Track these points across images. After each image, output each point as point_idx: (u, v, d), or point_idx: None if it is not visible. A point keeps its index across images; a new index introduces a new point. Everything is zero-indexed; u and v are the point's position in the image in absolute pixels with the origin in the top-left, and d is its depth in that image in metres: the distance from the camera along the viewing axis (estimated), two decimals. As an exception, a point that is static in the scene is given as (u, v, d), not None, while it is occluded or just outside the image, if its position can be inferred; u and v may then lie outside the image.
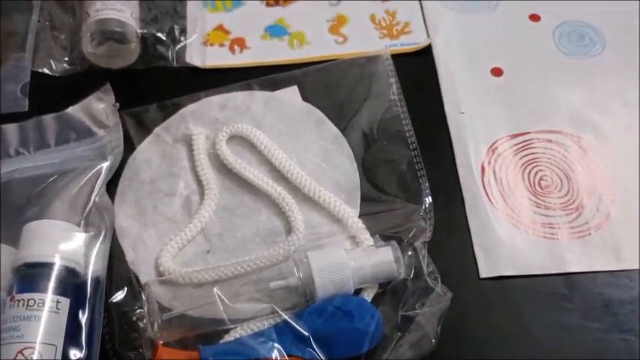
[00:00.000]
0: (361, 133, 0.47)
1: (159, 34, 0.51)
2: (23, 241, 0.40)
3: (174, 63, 0.51)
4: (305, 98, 0.49)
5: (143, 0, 0.53)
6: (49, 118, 0.48)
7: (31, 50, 0.52)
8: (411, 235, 0.41)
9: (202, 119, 0.48)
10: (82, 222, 0.43)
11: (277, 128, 0.47)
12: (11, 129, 0.48)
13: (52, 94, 0.51)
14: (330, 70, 0.50)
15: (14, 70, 0.52)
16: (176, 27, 0.53)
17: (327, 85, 0.49)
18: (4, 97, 0.50)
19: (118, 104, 0.47)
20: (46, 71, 0.50)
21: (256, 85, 0.49)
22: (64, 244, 0.40)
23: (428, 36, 0.54)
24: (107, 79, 0.50)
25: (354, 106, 0.48)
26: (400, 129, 0.46)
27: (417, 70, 0.52)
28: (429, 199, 0.43)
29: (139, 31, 0.51)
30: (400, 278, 0.39)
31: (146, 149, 0.47)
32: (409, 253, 0.40)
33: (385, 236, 0.41)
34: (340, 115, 0.47)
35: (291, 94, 0.49)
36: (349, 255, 0.40)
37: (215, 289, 0.38)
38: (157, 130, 0.48)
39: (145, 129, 0.48)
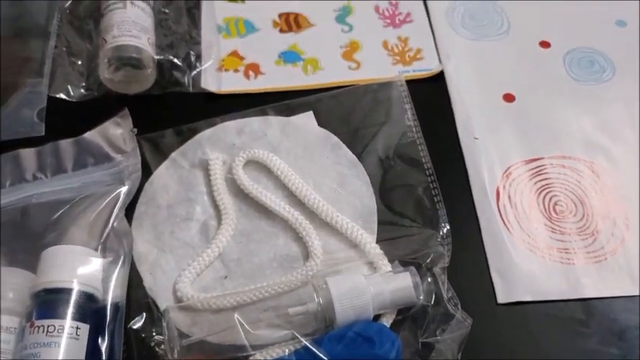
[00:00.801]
0: (377, 159, 0.47)
1: (175, 60, 0.52)
2: (42, 266, 0.40)
3: (190, 89, 0.51)
4: (320, 124, 0.49)
5: (159, 26, 0.55)
6: (66, 143, 0.48)
7: (47, 75, 0.53)
8: (428, 261, 0.42)
9: (219, 144, 0.48)
10: (100, 247, 0.43)
11: (294, 153, 0.48)
12: (28, 154, 0.48)
13: (68, 119, 0.51)
14: (345, 95, 0.50)
15: (30, 96, 0.52)
16: (192, 53, 0.53)
17: (342, 110, 0.50)
18: (20, 122, 0.51)
19: (135, 129, 0.47)
20: (63, 97, 0.51)
21: (272, 110, 0.50)
22: (83, 269, 0.40)
23: (440, 62, 0.54)
24: (123, 104, 0.51)
25: (370, 132, 0.48)
26: (416, 155, 0.47)
27: (430, 95, 0.52)
28: (446, 226, 0.43)
29: (155, 57, 0.51)
30: (419, 304, 0.39)
31: (163, 174, 0.47)
32: (428, 279, 0.40)
33: (403, 262, 0.41)
34: (356, 141, 0.48)
35: (306, 119, 0.49)
36: (368, 281, 0.40)
37: (236, 315, 0.38)
38: (173, 155, 0.48)
39: (162, 154, 0.48)
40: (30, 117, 0.51)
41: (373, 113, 0.49)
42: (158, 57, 0.52)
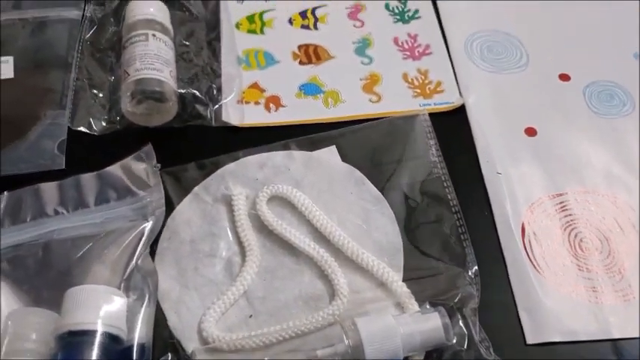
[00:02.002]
0: (402, 195, 0.47)
1: (197, 93, 0.52)
2: (65, 307, 0.39)
3: (213, 122, 0.51)
4: (343, 158, 0.49)
5: (180, 59, 0.55)
6: (88, 177, 0.47)
7: (69, 107, 0.53)
8: (457, 300, 0.41)
9: (241, 179, 0.48)
10: (124, 285, 0.42)
11: (317, 188, 0.47)
12: (49, 188, 0.47)
13: (89, 152, 0.51)
14: (369, 130, 0.50)
15: (51, 127, 0.52)
16: (213, 86, 0.53)
17: (365, 145, 0.50)
18: (41, 155, 0.50)
19: (159, 165, 0.47)
20: (85, 130, 0.51)
21: (294, 144, 0.50)
22: (108, 309, 0.39)
23: (460, 95, 0.55)
24: (145, 136, 0.51)
25: (394, 167, 0.48)
26: (441, 191, 0.46)
27: (451, 129, 0.52)
28: (475, 265, 0.43)
29: (177, 90, 0.51)
30: (450, 346, 0.39)
31: (185, 209, 0.47)
32: (459, 320, 0.40)
33: (431, 302, 0.41)
34: (379, 176, 0.48)
35: (329, 154, 0.49)
36: (397, 321, 0.39)
37: (266, 358, 0.37)
38: (196, 189, 0.48)
39: (184, 188, 0.48)
40: (50, 149, 0.51)
41: (397, 148, 0.49)
42: (180, 90, 0.51)
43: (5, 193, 0.47)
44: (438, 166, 0.47)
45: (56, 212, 0.46)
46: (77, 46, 0.56)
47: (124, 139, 0.51)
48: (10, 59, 0.56)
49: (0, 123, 0.51)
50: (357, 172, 0.48)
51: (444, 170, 0.47)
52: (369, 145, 0.50)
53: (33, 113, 0.52)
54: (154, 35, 0.53)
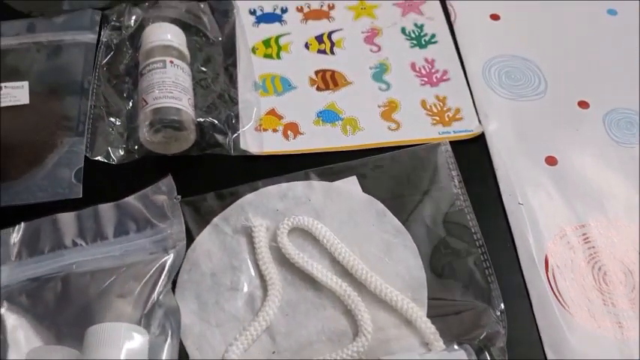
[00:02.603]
0: (424, 227, 0.46)
1: (215, 122, 0.51)
2: (87, 345, 0.38)
3: (231, 151, 0.51)
4: (364, 189, 0.48)
5: (198, 86, 0.54)
6: (106, 208, 0.47)
7: (85, 135, 0.52)
8: (482, 338, 0.41)
9: (262, 209, 0.48)
10: (144, 320, 0.42)
11: (338, 220, 0.47)
12: (67, 218, 0.47)
13: (106, 181, 0.50)
14: (389, 160, 0.50)
15: (68, 155, 0.52)
16: (232, 114, 0.53)
17: (386, 175, 0.49)
18: (58, 183, 0.50)
19: (179, 197, 0.46)
20: (103, 159, 0.50)
21: (314, 174, 0.49)
22: (130, 348, 0.38)
23: (479, 122, 0.54)
24: (163, 165, 0.50)
25: (415, 199, 0.47)
26: (465, 224, 0.46)
27: (471, 157, 0.52)
28: (501, 302, 0.42)
29: (195, 119, 0.51)
30: (477, 386, 0.38)
31: (205, 240, 0.47)
32: (486, 358, 0.39)
33: (457, 340, 0.40)
34: (401, 208, 0.47)
35: (350, 184, 0.49)
36: (423, 360, 0.39)
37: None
38: (215, 220, 0.47)
39: (203, 219, 0.47)
40: (67, 178, 0.51)
41: (418, 179, 0.49)
42: (199, 119, 0.51)
43: (22, 223, 0.47)
44: (460, 198, 0.47)
45: (75, 244, 0.46)
46: (93, 72, 0.55)
47: (141, 168, 0.51)
48: (25, 84, 0.55)
49: (16, 150, 0.51)
50: (379, 204, 0.47)
51: (467, 202, 0.47)
52: (389, 175, 0.49)
53: (49, 140, 0.52)
54: (171, 62, 0.52)
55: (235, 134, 0.52)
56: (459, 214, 0.46)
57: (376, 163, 0.50)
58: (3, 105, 0.53)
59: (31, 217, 0.47)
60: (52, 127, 0.53)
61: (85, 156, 0.51)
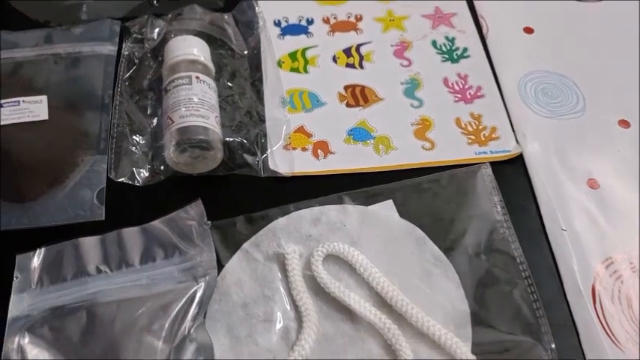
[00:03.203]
0: (466, 256, 0.44)
1: (244, 141, 0.49)
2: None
3: (261, 172, 0.48)
4: (401, 214, 0.46)
5: (225, 102, 0.52)
6: (131, 232, 0.45)
7: (107, 153, 0.50)
8: (531, 375, 0.39)
9: (294, 235, 0.45)
10: (173, 354, 0.39)
11: (375, 247, 0.45)
12: (90, 243, 0.45)
13: (129, 202, 0.48)
14: (427, 184, 0.48)
15: (89, 175, 0.49)
16: (260, 132, 0.51)
17: (424, 200, 0.47)
18: (79, 205, 0.48)
19: (209, 222, 0.44)
20: (128, 181, 0.48)
21: (348, 197, 0.47)
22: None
23: (517, 142, 0.52)
24: (188, 185, 0.48)
25: (456, 226, 0.45)
26: (509, 253, 0.44)
27: (509, 179, 0.49)
28: (552, 340, 0.40)
29: (222, 138, 0.48)
30: None
31: (235, 268, 0.44)
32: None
33: (506, 378, 0.39)
34: (440, 234, 0.45)
35: (386, 208, 0.46)
36: (472, 402, 0.37)
37: None
38: (245, 246, 0.45)
39: (232, 244, 0.45)
40: (89, 199, 0.48)
41: (458, 204, 0.46)
42: (227, 139, 0.49)
43: (42, 248, 0.45)
44: (504, 226, 0.45)
45: (99, 270, 0.44)
46: (115, 87, 0.53)
47: (167, 188, 0.48)
48: (44, 99, 0.53)
49: (35, 170, 0.49)
50: (418, 230, 0.45)
51: (511, 230, 0.44)
52: (427, 199, 0.47)
53: (70, 159, 0.50)
54: (197, 78, 0.50)
55: (264, 155, 0.49)
56: (503, 242, 0.44)
57: (413, 186, 0.48)
58: (21, 121, 0.51)
59: (52, 240, 0.46)
60: (72, 144, 0.51)
61: (107, 175, 0.49)
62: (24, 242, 0.46)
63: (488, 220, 0.45)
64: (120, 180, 0.48)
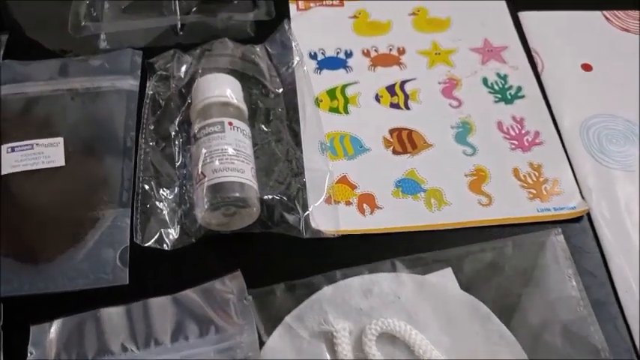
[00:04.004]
0: (536, 338, 0.39)
1: (283, 198, 0.44)
2: None
3: (303, 231, 0.43)
4: (461, 284, 0.41)
5: (261, 149, 0.47)
6: (161, 303, 0.40)
7: (129, 206, 0.45)
8: None
9: (342, 308, 0.40)
10: None
11: (434, 324, 0.40)
12: (114, 314, 0.40)
13: (157, 263, 0.43)
14: (490, 250, 0.43)
15: (111, 231, 0.44)
16: (299, 185, 0.46)
17: (486, 269, 0.42)
18: (101, 267, 0.43)
19: (250, 298, 0.39)
20: (156, 245, 0.43)
21: (402, 264, 0.42)
22: None
23: (582, 197, 0.47)
24: (221, 244, 0.44)
25: (524, 301, 0.40)
26: (587, 336, 0.39)
27: (576, 241, 0.44)
28: None
29: (259, 192, 0.44)
30: None
31: (277, 345, 0.39)
32: None
33: None
34: (506, 311, 0.40)
35: (445, 278, 0.42)
36: None
37: None
38: (288, 319, 0.40)
39: (273, 316, 0.40)
40: (111, 260, 0.43)
41: (527, 276, 0.41)
42: (266, 197, 0.44)
43: (60, 319, 0.40)
44: (580, 304, 0.40)
45: (124, 348, 0.39)
46: (139, 132, 0.48)
47: (197, 247, 0.44)
48: (60, 142, 0.48)
49: (51, 225, 0.44)
50: (483, 307, 0.40)
51: (589, 309, 0.39)
52: (490, 269, 0.42)
53: (89, 213, 0.45)
54: (230, 124, 0.45)
55: (306, 213, 0.44)
56: (580, 322, 0.39)
57: (474, 253, 0.43)
58: (35, 167, 0.46)
59: (70, 308, 0.41)
60: (92, 196, 0.46)
61: (133, 240, 0.44)
62: (38, 310, 0.41)
63: (561, 296, 0.40)
64: (147, 245, 0.43)
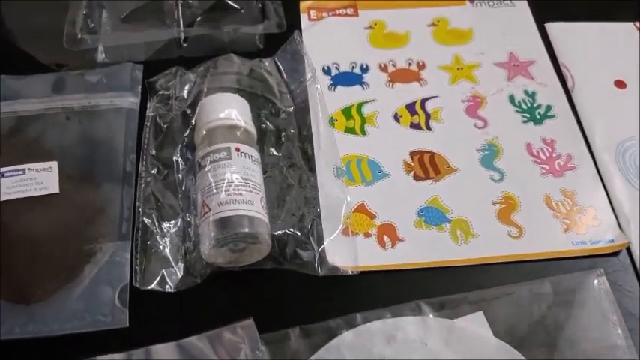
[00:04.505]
0: (579, 392, 0.36)
1: (297, 233, 0.41)
2: None
3: (318, 268, 0.40)
4: (494, 330, 0.37)
5: (270, 177, 0.43)
6: (165, 350, 0.36)
7: (129, 238, 0.42)
8: None
9: (363, 352, 0.37)
10: None
11: (465, 376, 0.37)
12: (113, 363, 0.37)
13: (159, 302, 0.39)
14: (526, 292, 0.39)
15: (109, 267, 0.40)
16: (313, 217, 0.42)
17: (522, 313, 0.38)
18: (98, 308, 0.39)
19: (264, 349, 0.35)
20: (157, 288, 0.39)
21: (427, 306, 0.38)
22: None
23: (620, 228, 0.44)
24: (229, 281, 0.40)
25: (563, 349, 0.36)
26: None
27: (615, 279, 0.41)
28: None
29: (270, 227, 0.40)
30: None
31: (293, 399, 0.36)
32: None
33: None
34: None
35: (476, 323, 0.38)
36: None
37: None
38: (304, 369, 0.37)
39: (287, 364, 0.37)
40: (109, 299, 0.40)
41: (566, 322, 0.37)
42: (277, 232, 0.40)
43: (54, 369, 0.37)
44: (626, 351, 0.36)
45: (125, 402, 0.36)
46: (139, 157, 0.44)
47: (204, 287, 0.40)
48: (54, 166, 0.44)
49: (43, 261, 0.40)
50: (518, 355, 0.36)
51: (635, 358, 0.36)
52: (526, 313, 0.38)
53: (85, 246, 0.41)
54: (237, 150, 0.41)
55: (321, 247, 0.41)
56: (628, 375, 0.36)
57: (507, 294, 0.39)
58: (27, 195, 0.42)
59: (64, 355, 0.37)
60: (89, 226, 0.42)
61: (132, 283, 0.40)
62: (30, 356, 0.38)
63: (605, 345, 0.37)
64: (148, 288, 0.39)
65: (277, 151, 0.45)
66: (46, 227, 0.41)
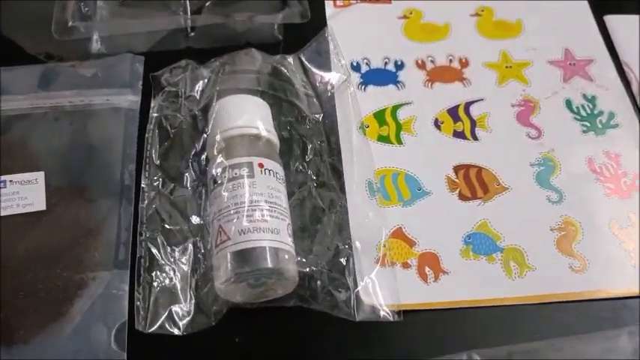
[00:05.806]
0: None
1: (328, 271, 0.34)
2: None
3: (354, 313, 0.33)
4: (560, 387, 0.32)
5: (296, 198, 0.37)
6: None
7: (126, 265, 0.35)
8: None
9: (405, 417, 0.32)
10: None
11: None
12: None
13: (163, 345, 0.34)
14: (599, 343, 0.33)
15: (103, 301, 0.34)
16: (346, 245, 0.36)
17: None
18: (91, 350, 0.33)
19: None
20: (163, 331, 0.32)
21: (480, 356, 0.33)
22: None
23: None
24: (245, 319, 0.34)
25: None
26: None
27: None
28: None
29: (300, 267, 0.33)
30: None
31: None
32: None
33: None
34: None
35: (539, 381, 0.33)
36: None
37: None
38: None
39: None
40: (104, 340, 0.33)
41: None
42: (305, 270, 0.34)
43: None
44: None
45: None
46: (142, 168, 0.38)
47: (217, 327, 0.34)
48: (41, 177, 0.38)
49: (27, 295, 0.34)
50: None
51: None
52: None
53: (76, 276, 0.34)
54: (261, 165, 0.35)
55: (358, 288, 0.34)
56: None
57: (570, 347, 0.33)
58: (7, 213, 0.36)
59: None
60: (80, 252, 0.35)
61: (134, 326, 0.33)
62: (10, 410, 0.32)
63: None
64: (153, 331, 0.33)
65: (303, 166, 0.38)
66: (30, 252, 0.35)
